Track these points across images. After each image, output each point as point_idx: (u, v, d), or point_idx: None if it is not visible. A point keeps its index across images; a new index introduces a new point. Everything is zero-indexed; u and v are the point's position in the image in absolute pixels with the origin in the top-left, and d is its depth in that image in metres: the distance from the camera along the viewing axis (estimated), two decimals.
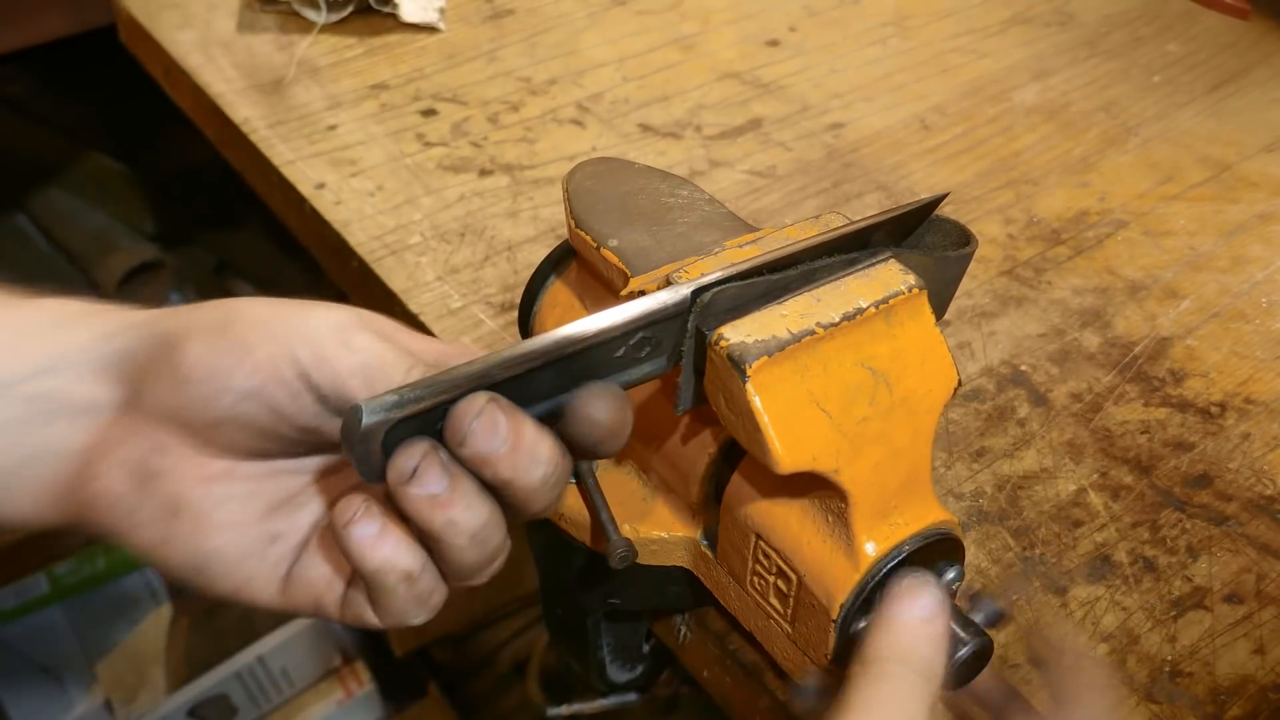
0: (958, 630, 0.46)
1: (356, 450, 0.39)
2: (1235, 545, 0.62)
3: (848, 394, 0.45)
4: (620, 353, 0.43)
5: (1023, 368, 0.72)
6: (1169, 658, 0.57)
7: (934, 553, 0.48)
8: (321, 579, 0.46)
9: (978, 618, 0.48)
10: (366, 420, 0.39)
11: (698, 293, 0.44)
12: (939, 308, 0.49)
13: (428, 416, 0.40)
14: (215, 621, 1.41)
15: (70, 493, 0.46)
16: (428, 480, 0.40)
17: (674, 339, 0.45)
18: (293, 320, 0.44)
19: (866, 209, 0.83)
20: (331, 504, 0.46)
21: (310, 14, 0.98)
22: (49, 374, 0.46)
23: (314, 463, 0.47)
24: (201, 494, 0.45)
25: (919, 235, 0.52)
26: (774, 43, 1.01)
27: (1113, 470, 0.66)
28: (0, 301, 0.48)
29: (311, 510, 0.47)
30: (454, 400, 0.40)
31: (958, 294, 0.77)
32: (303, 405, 0.43)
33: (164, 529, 0.45)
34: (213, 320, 0.44)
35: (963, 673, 0.47)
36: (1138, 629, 0.58)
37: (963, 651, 0.46)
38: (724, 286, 0.45)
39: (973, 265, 0.78)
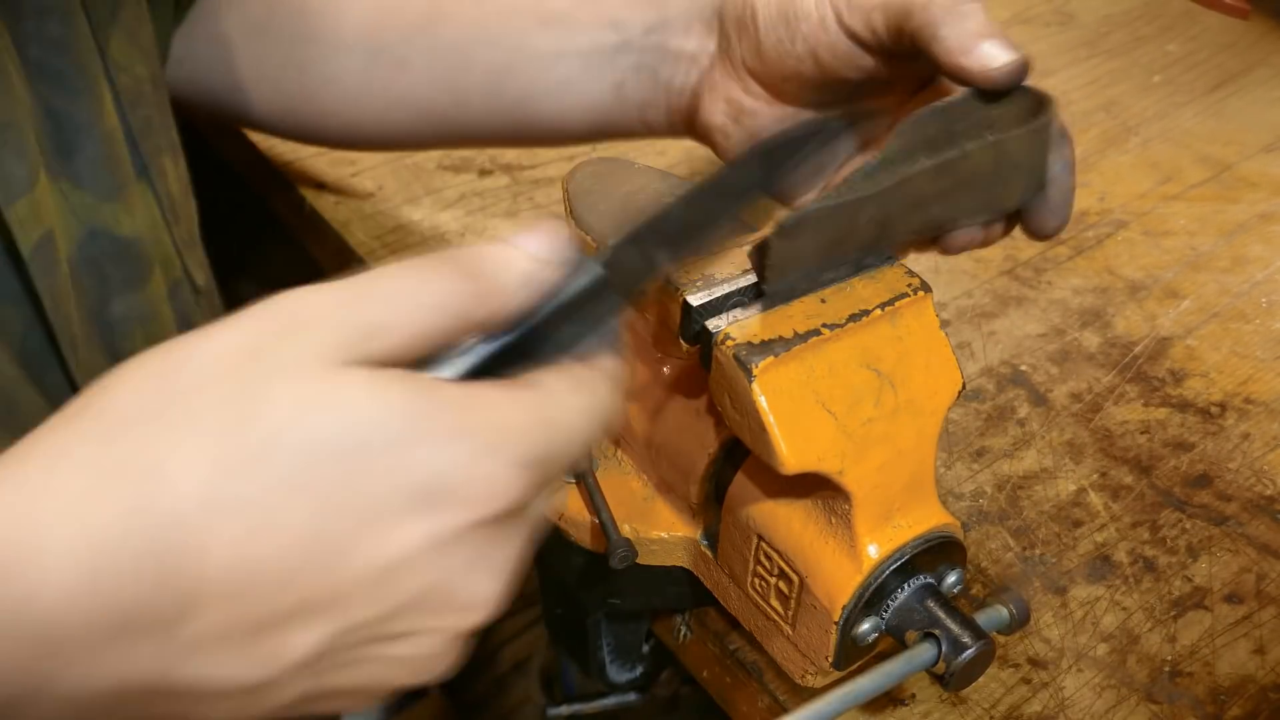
0: (958, 632, 0.46)
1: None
2: (1235, 545, 0.62)
3: (853, 395, 0.45)
4: None
5: (1023, 368, 0.72)
6: (1169, 658, 0.57)
7: (936, 556, 0.48)
8: None
9: (1009, 610, 0.48)
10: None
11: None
12: (1033, 187, 0.49)
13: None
14: None
15: (689, 118, 0.61)
16: None
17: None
18: None
19: None
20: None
21: None
22: (659, 30, 0.60)
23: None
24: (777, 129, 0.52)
25: (988, 116, 0.49)
26: None
27: (1113, 470, 0.66)
28: None
29: None
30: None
31: (957, 294, 0.77)
32: (849, 51, 0.52)
33: None
34: None
35: (967, 674, 0.47)
36: (1138, 629, 0.58)
37: (966, 654, 0.46)
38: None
39: (973, 265, 0.79)
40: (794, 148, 0.43)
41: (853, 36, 0.52)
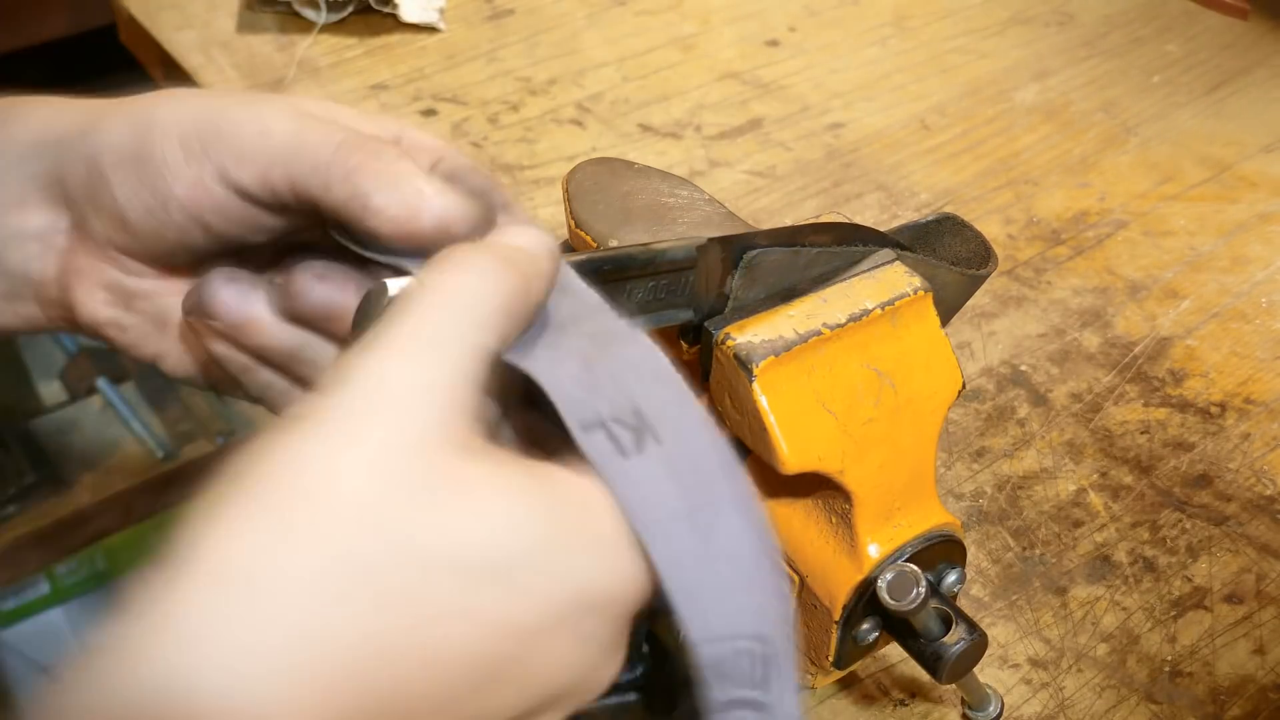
0: (956, 625, 0.46)
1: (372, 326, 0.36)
2: (1235, 545, 0.62)
3: (853, 395, 0.45)
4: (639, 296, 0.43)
5: (1023, 368, 0.72)
6: (1169, 658, 0.57)
7: (936, 555, 0.48)
8: None
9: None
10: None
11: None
12: (943, 317, 0.49)
13: None
14: None
15: (67, 313, 0.46)
16: None
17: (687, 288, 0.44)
18: (211, 125, 0.41)
19: (866, 209, 0.84)
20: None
21: (310, 14, 0.98)
22: None
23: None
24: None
25: (935, 236, 0.52)
26: (774, 43, 1.01)
27: (1113, 470, 0.66)
28: None
29: None
30: None
31: None
32: (243, 213, 0.41)
33: (158, 343, 0.45)
34: (130, 144, 0.42)
35: (958, 666, 0.47)
36: (1138, 629, 0.58)
37: (957, 646, 0.46)
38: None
39: None
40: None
41: (246, 197, 0.41)
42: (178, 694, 0.28)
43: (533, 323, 0.37)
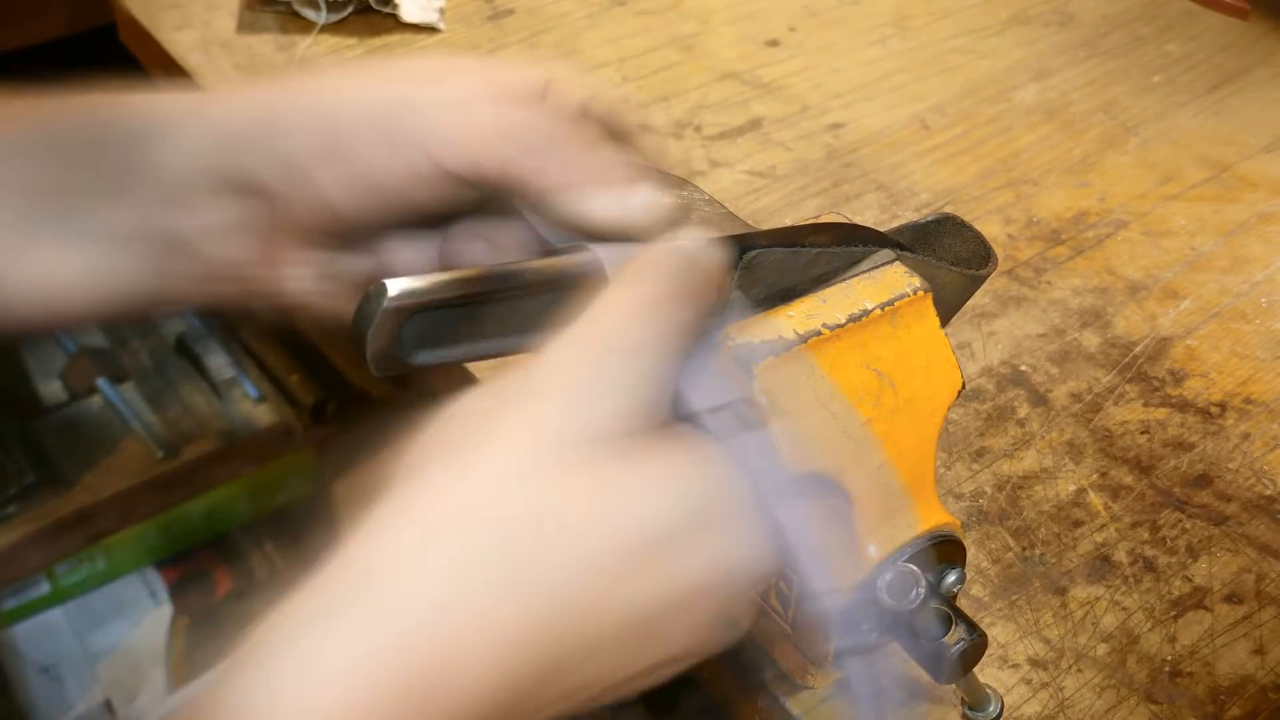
0: (956, 625, 0.46)
1: (373, 329, 0.39)
2: (1235, 545, 0.62)
3: (853, 395, 0.45)
4: None
5: (1023, 368, 0.72)
6: (1169, 658, 0.57)
7: (936, 555, 0.48)
8: None
9: None
10: (390, 302, 0.39)
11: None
12: (943, 317, 0.49)
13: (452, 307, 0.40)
14: (215, 621, 1.41)
15: (271, 290, 0.49)
16: None
17: None
18: (411, 116, 0.44)
19: (866, 209, 0.84)
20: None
21: (310, 14, 0.98)
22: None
23: None
24: (384, 269, 0.48)
25: (935, 236, 0.52)
26: (774, 43, 1.01)
27: (1113, 470, 0.66)
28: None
29: None
30: (475, 300, 0.40)
31: None
32: (453, 190, 0.45)
33: None
34: (323, 140, 0.44)
35: (958, 666, 0.47)
36: (1138, 629, 0.58)
37: (957, 646, 0.46)
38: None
39: None
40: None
41: (455, 178, 0.44)
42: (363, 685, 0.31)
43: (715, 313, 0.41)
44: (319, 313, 0.49)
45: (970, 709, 0.54)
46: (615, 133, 0.46)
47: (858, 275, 0.47)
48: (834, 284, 0.47)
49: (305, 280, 0.48)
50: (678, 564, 0.36)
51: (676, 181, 0.57)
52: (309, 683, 0.31)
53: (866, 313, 0.45)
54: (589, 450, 0.35)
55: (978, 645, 0.47)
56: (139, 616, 1.42)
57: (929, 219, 0.52)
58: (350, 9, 0.99)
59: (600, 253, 0.42)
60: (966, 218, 0.53)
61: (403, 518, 0.34)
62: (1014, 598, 0.59)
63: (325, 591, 0.33)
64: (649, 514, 0.35)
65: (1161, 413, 0.70)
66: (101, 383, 1.38)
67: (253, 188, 0.46)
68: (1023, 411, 0.69)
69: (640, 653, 0.36)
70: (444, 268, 0.47)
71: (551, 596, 0.34)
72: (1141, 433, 0.68)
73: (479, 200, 0.46)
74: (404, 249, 0.48)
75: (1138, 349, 0.74)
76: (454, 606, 0.33)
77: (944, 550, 0.48)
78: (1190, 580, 0.61)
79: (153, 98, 0.48)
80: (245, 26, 0.99)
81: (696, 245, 0.41)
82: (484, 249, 0.47)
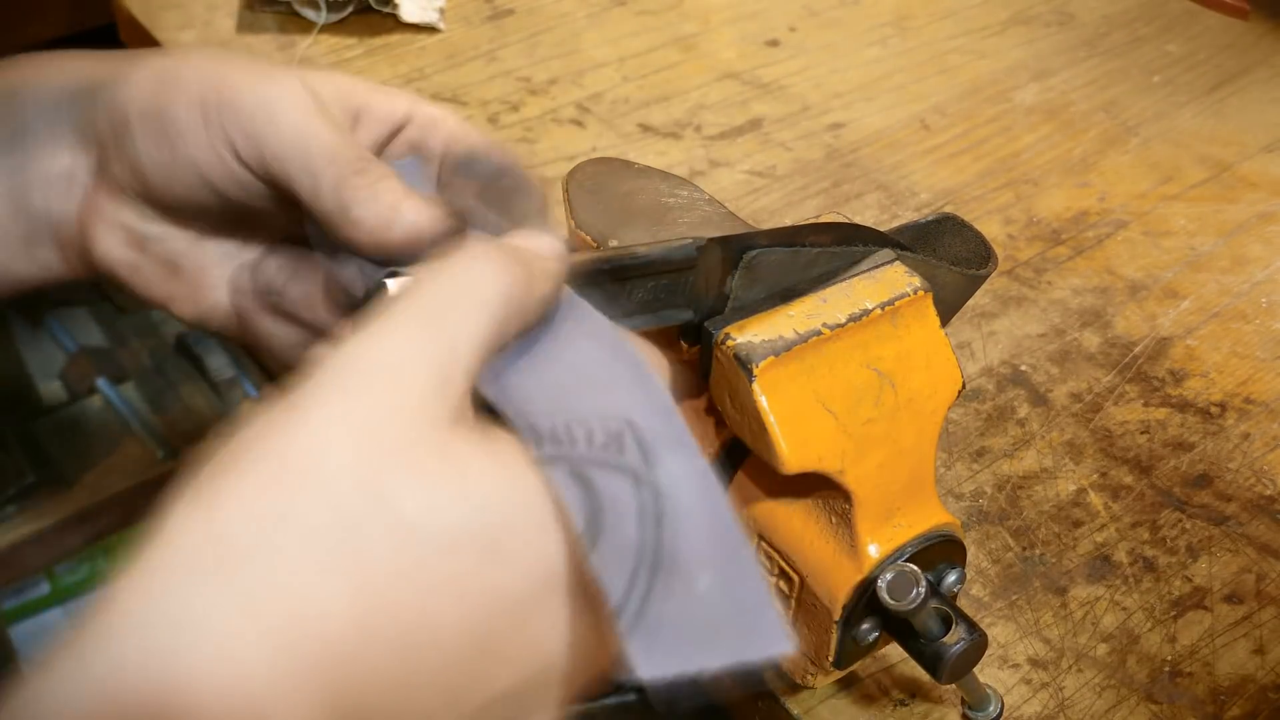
0: (956, 625, 0.47)
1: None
2: (1235, 545, 0.62)
3: (853, 395, 0.45)
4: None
5: (1023, 368, 0.72)
6: (1169, 658, 0.57)
7: (936, 555, 0.48)
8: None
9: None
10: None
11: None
12: (943, 317, 0.49)
13: None
14: None
15: (83, 254, 0.48)
16: None
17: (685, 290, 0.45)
18: (227, 98, 0.43)
19: (866, 209, 0.84)
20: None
21: (310, 14, 0.98)
22: (17, 142, 0.46)
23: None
24: (195, 252, 0.47)
25: (935, 236, 0.52)
26: (774, 43, 1.01)
27: (1113, 470, 0.66)
28: None
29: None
30: None
31: None
32: (249, 184, 0.44)
33: (168, 287, 0.47)
34: (152, 99, 0.44)
35: (958, 666, 0.47)
36: (1138, 629, 0.58)
37: (957, 646, 0.46)
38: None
39: None
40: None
41: (251, 172, 0.44)
42: (164, 682, 0.27)
43: (536, 322, 0.37)
44: (127, 284, 0.48)
45: (970, 709, 0.54)
46: (482, 170, 0.45)
47: (858, 275, 0.47)
48: (834, 284, 0.47)
49: (113, 245, 0.47)
50: (491, 576, 0.31)
51: (676, 181, 0.57)
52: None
53: (866, 312, 0.45)
54: (405, 431, 0.31)
55: (978, 645, 0.47)
56: None
57: (929, 219, 0.52)
58: (350, 9, 0.99)
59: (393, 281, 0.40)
60: (966, 218, 0.53)
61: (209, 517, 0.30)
62: (1014, 598, 0.59)
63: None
64: (478, 506, 0.31)
65: (1161, 413, 0.70)
66: (101, 383, 1.38)
67: (86, 140, 0.46)
68: (1023, 411, 0.69)
69: (476, 671, 0.32)
70: (256, 287, 0.47)
71: (362, 613, 0.29)
72: (1141, 433, 0.68)
73: (286, 219, 0.45)
74: (217, 246, 0.47)
75: (1138, 349, 0.74)
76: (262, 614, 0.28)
77: (944, 550, 0.48)
78: (1190, 580, 0.61)
79: (65, 56, 0.48)
80: (245, 26, 0.99)
81: (520, 235, 0.39)
82: (297, 285, 0.47)
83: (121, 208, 0.47)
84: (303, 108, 0.43)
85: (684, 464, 0.34)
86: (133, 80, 0.45)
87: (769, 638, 0.33)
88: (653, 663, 0.32)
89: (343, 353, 0.32)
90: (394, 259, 0.41)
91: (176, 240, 0.47)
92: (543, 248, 0.39)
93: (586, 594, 0.34)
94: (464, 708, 0.32)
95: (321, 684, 0.29)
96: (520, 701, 0.33)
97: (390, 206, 0.41)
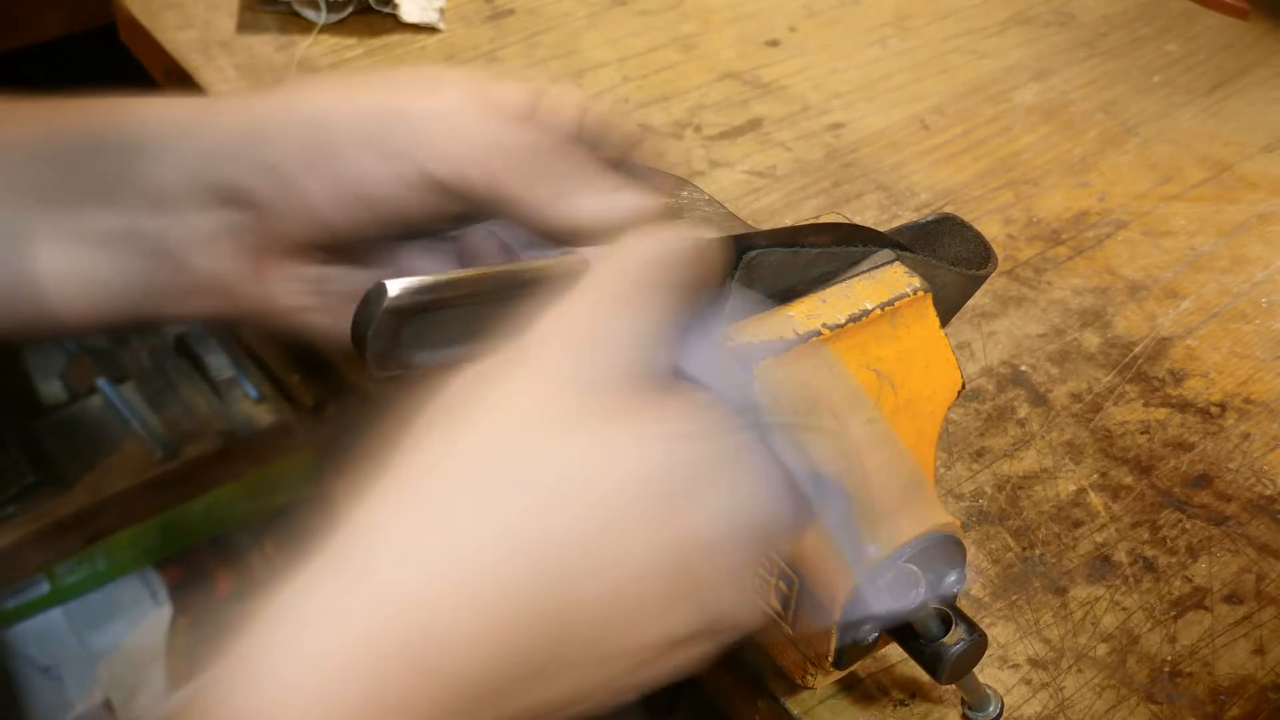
0: (956, 625, 0.47)
1: (373, 330, 0.39)
2: (1235, 545, 0.62)
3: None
4: None
5: (1023, 368, 0.72)
6: (1169, 658, 0.57)
7: (936, 555, 0.48)
8: None
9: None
10: (390, 302, 0.39)
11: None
12: (943, 317, 0.49)
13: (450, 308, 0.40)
14: (215, 621, 1.41)
15: (262, 304, 0.48)
16: None
17: None
18: (400, 125, 0.44)
19: (866, 209, 0.84)
20: None
21: (310, 14, 0.98)
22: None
23: None
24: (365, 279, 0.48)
25: (935, 236, 0.52)
26: (774, 43, 1.01)
27: (1113, 470, 0.66)
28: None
29: None
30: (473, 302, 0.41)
31: None
32: (440, 201, 0.45)
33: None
34: (309, 150, 0.44)
35: (958, 666, 0.47)
36: (1138, 629, 0.58)
37: (957, 646, 0.46)
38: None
39: None
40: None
41: (443, 189, 0.45)
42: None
43: (708, 303, 0.41)
44: (316, 328, 0.49)
45: (970, 709, 0.54)
46: (611, 142, 0.47)
47: (858, 275, 0.47)
48: (834, 284, 0.47)
49: (298, 294, 0.48)
50: (688, 518, 0.35)
51: (676, 181, 0.57)
52: (295, 660, 0.32)
53: (866, 313, 0.45)
54: (590, 398, 0.34)
55: (977, 645, 0.47)
56: (139, 616, 1.42)
57: (929, 219, 0.52)
58: (350, 9, 0.99)
59: (591, 254, 0.42)
60: (966, 218, 0.53)
61: (394, 485, 0.34)
62: (1014, 598, 0.59)
63: (314, 567, 0.33)
64: (656, 466, 0.34)
65: (1161, 413, 0.70)
66: (101, 383, 1.38)
67: (240, 198, 0.46)
68: (1023, 411, 0.69)
69: (660, 617, 0.35)
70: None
71: (560, 556, 0.33)
72: (1141, 433, 0.68)
73: (466, 213, 0.46)
74: (418, 260, 0.48)
75: (1138, 349, 0.74)
76: (445, 572, 0.32)
77: (944, 550, 0.48)
78: (1190, 580, 0.61)
79: (148, 104, 0.48)
80: (245, 26, 0.99)
81: (680, 232, 0.41)
82: (496, 247, 0.47)
83: (298, 257, 0.47)
84: (478, 109, 0.44)
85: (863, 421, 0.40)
86: (273, 138, 0.45)
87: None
88: (880, 598, 0.39)
89: (532, 327, 0.36)
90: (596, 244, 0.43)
91: (356, 277, 0.48)
92: (702, 243, 0.40)
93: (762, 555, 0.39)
94: (637, 648, 0.36)
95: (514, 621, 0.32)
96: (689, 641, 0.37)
97: (610, 194, 0.44)
